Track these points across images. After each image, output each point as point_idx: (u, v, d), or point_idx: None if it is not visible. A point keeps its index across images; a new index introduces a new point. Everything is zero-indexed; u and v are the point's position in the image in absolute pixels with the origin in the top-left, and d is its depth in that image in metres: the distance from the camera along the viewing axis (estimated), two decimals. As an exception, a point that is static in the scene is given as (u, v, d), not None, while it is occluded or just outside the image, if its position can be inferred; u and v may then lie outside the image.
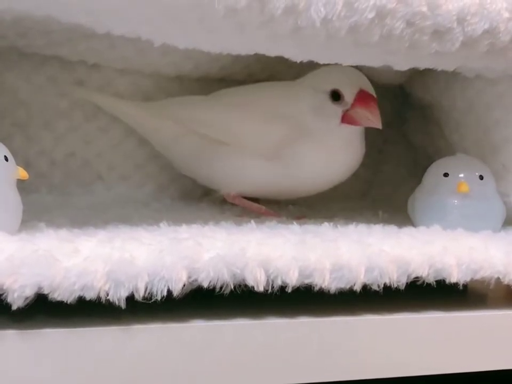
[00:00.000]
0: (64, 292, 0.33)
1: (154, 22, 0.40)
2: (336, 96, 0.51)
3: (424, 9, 0.40)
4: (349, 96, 0.51)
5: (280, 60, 0.46)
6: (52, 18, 0.41)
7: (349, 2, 0.39)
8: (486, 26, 0.41)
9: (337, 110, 0.51)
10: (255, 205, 0.55)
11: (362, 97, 0.50)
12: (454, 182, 0.48)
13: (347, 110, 0.51)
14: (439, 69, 0.47)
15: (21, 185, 0.40)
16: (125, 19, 0.40)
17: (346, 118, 0.51)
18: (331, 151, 0.53)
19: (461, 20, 0.41)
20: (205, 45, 0.44)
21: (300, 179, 0.54)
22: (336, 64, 0.46)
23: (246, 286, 0.36)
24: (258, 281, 0.36)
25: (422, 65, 0.46)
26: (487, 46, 0.42)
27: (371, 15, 0.39)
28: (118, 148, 0.65)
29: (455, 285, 0.41)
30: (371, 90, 0.51)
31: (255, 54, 0.45)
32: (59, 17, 0.41)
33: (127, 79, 0.64)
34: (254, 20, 0.39)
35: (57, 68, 0.62)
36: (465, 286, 0.42)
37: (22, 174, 0.40)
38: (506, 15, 0.41)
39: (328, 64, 0.47)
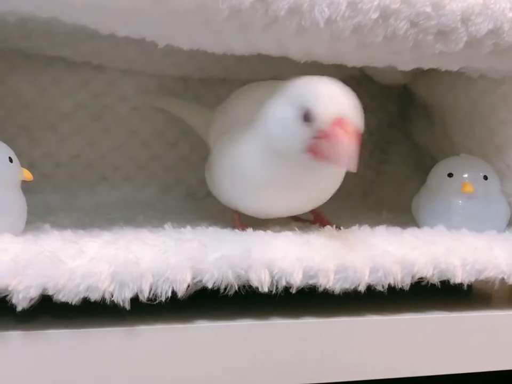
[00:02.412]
0: (69, 293, 0.33)
1: (159, 24, 0.40)
2: (307, 116, 0.38)
3: (428, 9, 0.40)
4: (322, 120, 0.38)
5: (284, 60, 0.46)
6: (56, 19, 0.42)
7: (353, 3, 0.39)
8: (490, 26, 0.41)
9: (305, 133, 0.39)
10: (236, 221, 0.47)
11: (337, 125, 0.37)
12: (458, 182, 0.48)
13: (316, 138, 0.38)
14: (443, 69, 0.47)
15: (26, 186, 0.40)
16: (130, 21, 0.40)
17: (312, 148, 0.39)
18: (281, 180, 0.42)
19: (465, 20, 0.41)
20: (209, 46, 0.44)
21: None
22: (323, 77, 0.40)
23: (250, 286, 0.36)
24: (262, 282, 0.36)
25: (426, 65, 0.46)
26: (491, 46, 0.42)
27: (375, 16, 0.39)
28: (122, 149, 0.65)
29: (460, 285, 0.41)
30: (354, 120, 0.38)
31: (259, 55, 0.45)
32: (63, 19, 0.42)
33: (131, 79, 0.65)
34: (258, 21, 0.39)
35: (62, 69, 0.62)
36: (469, 286, 0.42)
37: (27, 175, 0.40)
38: (510, 15, 0.41)
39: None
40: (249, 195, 0.44)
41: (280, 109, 0.40)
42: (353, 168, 0.36)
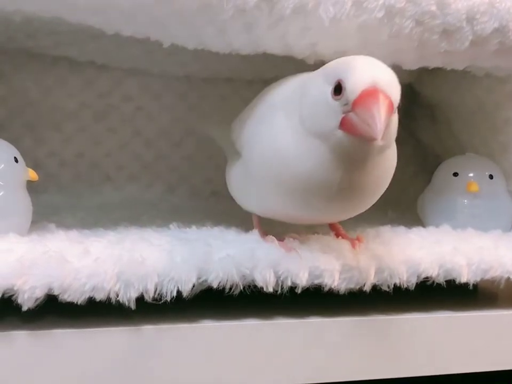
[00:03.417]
0: (74, 293, 0.33)
1: (163, 23, 0.40)
2: (338, 88, 0.35)
3: (433, 8, 0.40)
4: (352, 90, 0.34)
5: (289, 60, 0.46)
6: (61, 19, 0.42)
7: (358, 2, 0.39)
8: (496, 25, 0.41)
9: (337, 108, 0.35)
10: (258, 227, 0.42)
11: (368, 94, 0.33)
12: (463, 181, 0.48)
13: (348, 112, 0.34)
14: (449, 68, 0.47)
15: (31, 186, 0.41)
16: (134, 20, 0.40)
17: (344, 123, 0.34)
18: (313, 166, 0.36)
19: (470, 19, 0.41)
20: (213, 46, 0.44)
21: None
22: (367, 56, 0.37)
23: (255, 286, 0.36)
24: (267, 282, 0.36)
25: (431, 64, 0.46)
26: (497, 45, 0.42)
27: (380, 15, 0.39)
28: (126, 148, 0.65)
29: (465, 285, 0.41)
30: (390, 90, 0.34)
31: (264, 54, 0.45)
32: (68, 19, 0.42)
33: (135, 79, 0.65)
34: (263, 20, 0.39)
35: (66, 69, 0.62)
36: (475, 285, 0.42)
37: (32, 175, 0.40)
38: (516, 13, 0.41)
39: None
40: (291, 193, 0.38)
41: (316, 86, 0.37)
42: (376, 133, 0.32)
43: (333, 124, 0.34)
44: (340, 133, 0.34)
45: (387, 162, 0.38)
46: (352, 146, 0.34)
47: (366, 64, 0.35)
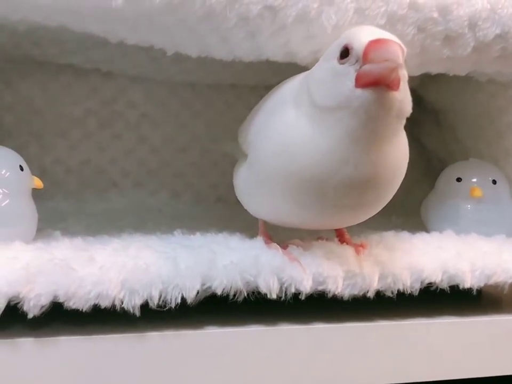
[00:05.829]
0: (79, 300, 0.33)
1: (168, 32, 0.40)
2: (344, 52, 0.34)
3: (435, 15, 0.40)
4: (360, 44, 0.33)
5: (292, 66, 0.46)
6: (65, 28, 0.42)
7: (360, 9, 0.39)
8: (498, 31, 0.41)
9: (347, 70, 0.34)
10: (263, 233, 0.42)
11: (375, 41, 0.32)
12: (467, 186, 0.48)
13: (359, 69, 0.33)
14: (451, 73, 0.47)
15: (36, 193, 0.41)
16: (138, 30, 0.41)
17: (360, 77, 0.33)
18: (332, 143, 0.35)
19: (473, 25, 0.41)
20: (216, 53, 0.44)
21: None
22: None
23: (259, 293, 0.36)
24: (271, 288, 0.36)
25: (434, 70, 0.46)
26: (499, 51, 0.43)
27: (382, 22, 0.39)
28: (131, 155, 0.65)
29: (469, 290, 0.41)
30: (397, 41, 0.33)
31: (267, 60, 0.45)
32: (73, 27, 0.42)
33: (140, 86, 0.65)
34: (266, 28, 0.39)
35: (71, 76, 0.62)
36: (479, 291, 0.42)
37: (37, 183, 0.40)
38: (518, 19, 0.41)
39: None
40: (301, 189, 0.36)
41: (320, 66, 0.36)
42: (397, 87, 0.33)
43: (349, 86, 0.33)
44: (358, 92, 0.33)
45: (400, 152, 0.37)
46: (374, 103, 0.33)
47: (370, 27, 0.36)
